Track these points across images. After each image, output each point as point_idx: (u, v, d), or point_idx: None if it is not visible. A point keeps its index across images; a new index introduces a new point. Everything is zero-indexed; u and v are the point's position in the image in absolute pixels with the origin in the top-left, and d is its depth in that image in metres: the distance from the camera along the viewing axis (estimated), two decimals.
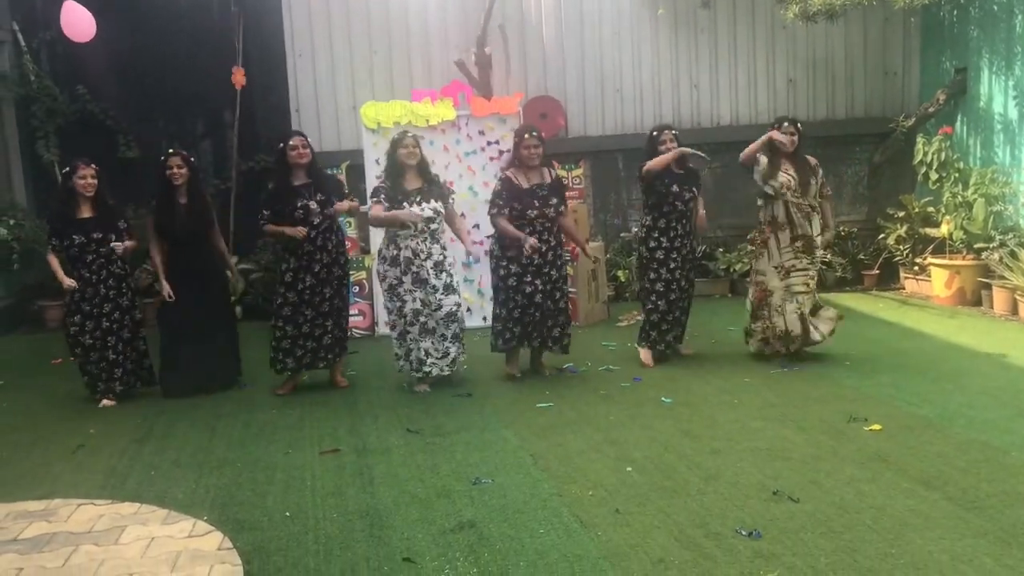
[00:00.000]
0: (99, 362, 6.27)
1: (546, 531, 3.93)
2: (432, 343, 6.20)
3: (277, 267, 6.33)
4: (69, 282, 6.11)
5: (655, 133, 6.75)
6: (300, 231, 6.09)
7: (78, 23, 7.19)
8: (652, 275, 6.62)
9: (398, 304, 6.18)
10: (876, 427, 5.11)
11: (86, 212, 6.22)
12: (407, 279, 6.12)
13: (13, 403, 6.56)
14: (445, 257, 6.22)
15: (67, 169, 6.31)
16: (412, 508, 4.25)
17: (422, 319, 6.15)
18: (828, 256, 7.49)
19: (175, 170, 6.28)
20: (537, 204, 6.25)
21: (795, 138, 6.53)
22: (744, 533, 3.80)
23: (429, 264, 6.12)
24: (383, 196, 6.17)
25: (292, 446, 5.28)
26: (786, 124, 6.59)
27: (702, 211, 6.77)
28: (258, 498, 4.48)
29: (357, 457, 5.04)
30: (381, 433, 5.47)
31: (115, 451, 5.33)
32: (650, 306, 6.67)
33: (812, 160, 6.74)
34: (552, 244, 6.35)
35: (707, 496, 4.23)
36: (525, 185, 6.30)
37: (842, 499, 4.12)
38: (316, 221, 6.19)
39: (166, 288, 6.30)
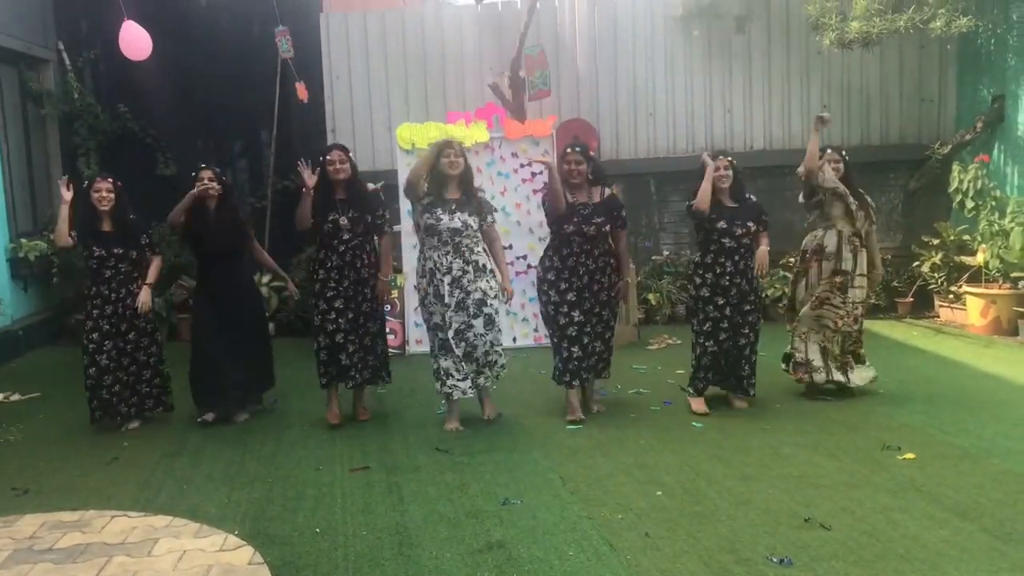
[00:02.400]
0: (113, 385, 6.08)
1: (575, 554, 3.92)
2: (452, 362, 5.88)
3: (311, 284, 6.20)
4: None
5: (708, 160, 6.17)
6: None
7: (135, 41, 7.38)
8: (700, 315, 6.15)
9: (426, 317, 5.97)
10: (910, 456, 5.05)
11: (106, 226, 6.13)
12: (431, 291, 5.86)
13: (50, 415, 6.66)
14: (465, 273, 5.80)
15: (86, 184, 6.26)
16: (441, 527, 4.26)
17: (440, 336, 5.89)
18: (871, 298, 6.93)
19: (206, 182, 6.20)
20: (575, 220, 5.88)
21: (840, 166, 6.27)
22: (775, 560, 3.76)
23: (447, 280, 5.79)
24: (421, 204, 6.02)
25: (322, 463, 5.31)
26: (830, 152, 6.33)
27: (764, 247, 6.06)
28: (289, 514, 4.51)
29: (387, 475, 5.05)
30: (411, 452, 5.48)
31: (148, 464, 5.39)
32: (698, 349, 6.18)
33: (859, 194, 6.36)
34: (590, 267, 5.95)
35: (738, 522, 4.20)
36: (569, 199, 5.96)
37: (875, 528, 4.07)
38: (346, 237, 6.01)
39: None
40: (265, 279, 9.55)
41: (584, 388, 6.20)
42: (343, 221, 6.01)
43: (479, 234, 5.92)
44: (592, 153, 6.13)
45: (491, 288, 5.88)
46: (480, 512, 4.43)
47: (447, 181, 5.84)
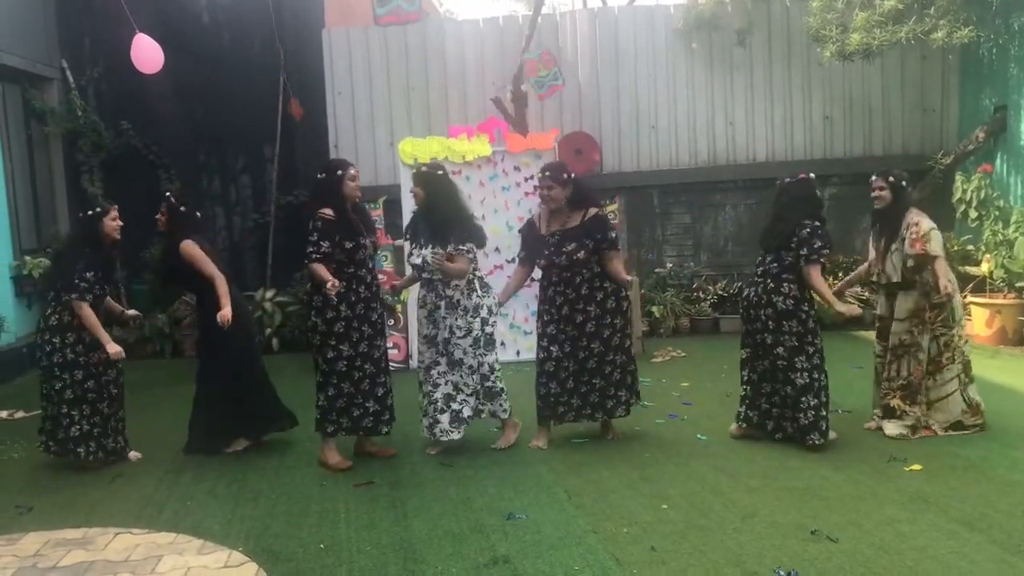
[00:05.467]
0: (92, 416, 5.61)
1: (581, 568, 3.90)
2: (427, 399, 5.62)
3: (317, 314, 5.39)
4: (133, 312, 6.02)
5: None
6: (334, 287, 5.16)
7: (148, 54, 7.42)
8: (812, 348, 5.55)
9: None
10: (916, 467, 5.02)
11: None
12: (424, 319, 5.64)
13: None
14: (441, 307, 5.51)
15: (97, 210, 5.75)
16: (445, 542, 4.24)
17: (420, 371, 5.68)
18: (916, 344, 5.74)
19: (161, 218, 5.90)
20: (545, 253, 5.59)
21: (884, 193, 5.70)
22: (782, 573, 3.74)
23: (423, 313, 5.62)
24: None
25: (326, 478, 5.29)
26: (875, 178, 5.77)
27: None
28: (293, 529, 4.49)
29: (391, 490, 5.03)
30: (415, 466, 5.46)
31: (151, 481, 5.38)
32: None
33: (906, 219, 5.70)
34: (570, 297, 5.58)
35: (744, 535, 4.18)
36: (543, 230, 5.69)
37: (882, 540, 4.05)
38: (371, 265, 5.55)
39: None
40: (268, 294, 9.57)
41: (605, 424, 5.90)
42: (368, 246, 5.49)
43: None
44: (567, 175, 5.62)
45: (449, 318, 5.53)
46: (485, 527, 4.41)
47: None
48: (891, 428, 5.66)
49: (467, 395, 5.63)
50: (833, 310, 5.49)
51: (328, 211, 5.32)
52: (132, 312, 6.24)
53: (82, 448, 5.59)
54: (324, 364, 5.39)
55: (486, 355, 5.60)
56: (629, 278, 5.71)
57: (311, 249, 5.26)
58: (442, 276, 5.49)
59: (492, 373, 5.63)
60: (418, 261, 5.54)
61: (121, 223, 5.79)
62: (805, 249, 5.37)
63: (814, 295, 5.50)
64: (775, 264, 5.52)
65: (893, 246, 5.67)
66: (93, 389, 5.57)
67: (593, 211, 5.64)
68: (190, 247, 5.67)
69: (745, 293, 5.72)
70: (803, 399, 5.44)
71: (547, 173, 5.63)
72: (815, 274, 5.39)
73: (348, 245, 5.33)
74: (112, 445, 5.71)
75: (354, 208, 5.49)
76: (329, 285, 5.14)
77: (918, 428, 5.63)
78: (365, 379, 5.44)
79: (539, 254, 5.67)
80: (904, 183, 5.73)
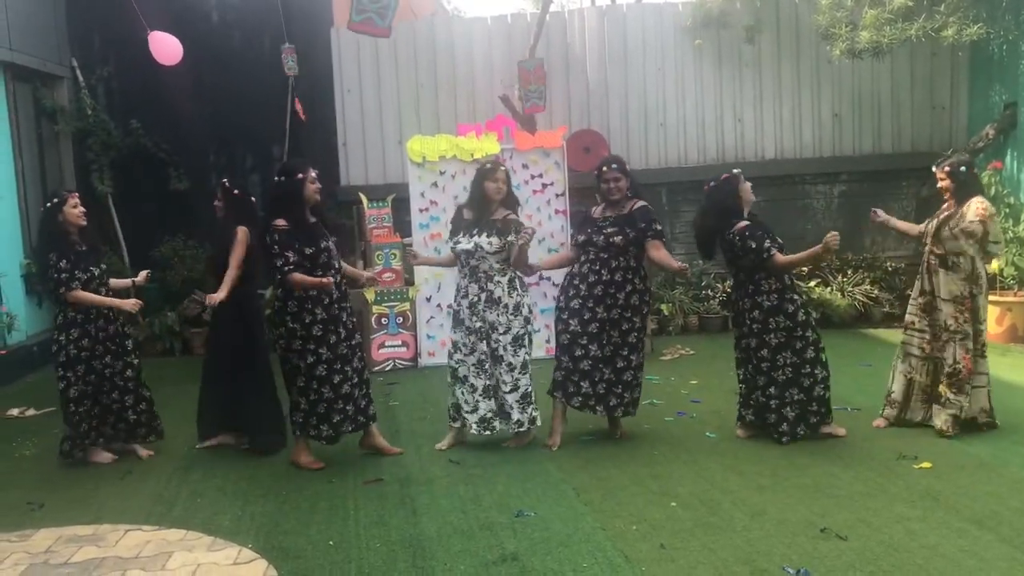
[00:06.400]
0: (92, 409, 5.60)
1: (589, 565, 3.90)
2: (462, 393, 5.68)
3: (283, 319, 5.30)
4: (133, 303, 5.62)
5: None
6: (328, 281, 5.17)
7: (166, 47, 7.55)
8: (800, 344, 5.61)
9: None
10: (926, 465, 5.01)
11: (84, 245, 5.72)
12: (464, 316, 5.67)
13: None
14: (481, 300, 5.57)
15: (55, 200, 5.61)
16: (455, 539, 4.25)
17: (453, 363, 5.72)
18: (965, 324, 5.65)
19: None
20: (589, 231, 5.71)
21: (946, 183, 5.71)
22: (791, 571, 3.74)
23: (465, 304, 5.64)
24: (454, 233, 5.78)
25: (335, 475, 5.30)
26: (935, 168, 5.81)
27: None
28: (302, 526, 4.51)
29: (400, 487, 5.05)
30: (424, 464, 5.47)
31: (162, 478, 5.40)
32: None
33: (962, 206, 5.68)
34: (604, 278, 5.61)
35: (753, 532, 4.17)
36: (596, 215, 5.81)
37: (891, 538, 4.04)
38: (337, 266, 5.42)
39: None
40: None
41: (612, 421, 5.90)
42: (333, 248, 5.41)
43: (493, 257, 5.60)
44: (628, 167, 5.85)
45: (494, 308, 5.59)
46: (493, 524, 4.41)
47: (491, 205, 5.71)
48: (939, 421, 5.62)
49: (506, 392, 5.63)
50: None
51: (281, 221, 5.22)
52: (142, 274, 6.16)
53: (81, 442, 5.63)
54: (304, 369, 5.29)
55: (521, 354, 5.64)
56: (682, 266, 5.59)
57: (280, 263, 5.17)
58: (511, 262, 5.59)
59: (525, 374, 5.66)
60: (470, 246, 5.56)
61: (83, 208, 5.67)
62: (755, 249, 5.43)
63: (796, 287, 5.61)
64: (741, 272, 5.63)
65: (952, 223, 5.63)
66: (94, 383, 5.58)
67: (641, 203, 5.76)
68: (243, 233, 5.74)
69: (733, 298, 5.81)
70: (786, 394, 5.51)
71: (614, 165, 5.74)
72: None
73: (308, 251, 5.24)
74: (111, 433, 5.72)
75: (313, 210, 5.40)
76: (325, 280, 5.15)
77: (959, 418, 5.57)
78: (345, 382, 5.37)
79: (582, 231, 5.79)
80: (963, 167, 5.76)
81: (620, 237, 5.60)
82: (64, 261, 5.47)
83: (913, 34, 8.46)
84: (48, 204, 5.64)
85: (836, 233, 5.31)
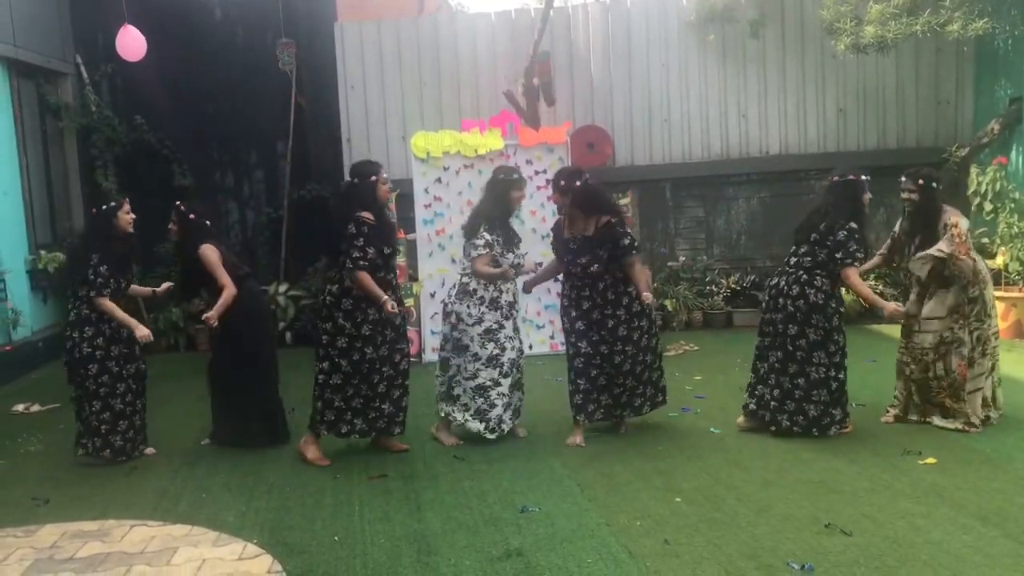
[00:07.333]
0: (102, 412, 5.60)
1: (594, 561, 3.90)
2: (519, 396, 5.87)
3: (333, 315, 5.31)
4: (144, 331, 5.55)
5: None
6: (392, 309, 5.21)
7: (131, 43, 7.53)
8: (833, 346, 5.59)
9: (494, 351, 5.62)
10: (931, 461, 5.01)
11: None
12: (508, 324, 5.67)
13: (69, 426, 6.63)
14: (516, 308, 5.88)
15: (112, 204, 5.75)
16: (459, 535, 4.25)
17: (516, 371, 5.76)
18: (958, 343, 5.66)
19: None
20: (566, 258, 5.66)
21: (914, 196, 5.65)
22: (796, 566, 3.74)
23: (516, 308, 5.83)
24: (494, 243, 5.63)
25: (340, 471, 5.31)
26: (904, 179, 5.70)
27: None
28: (307, 522, 4.51)
29: (404, 483, 5.05)
30: (428, 460, 5.48)
31: (167, 473, 5.41)
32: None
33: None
34: (597, 302, 5.56)
35: (758, 528, 4.17)
36: (566, 233, 5.71)
37: (896, 533, 4.04)
38: (397, 273, 5.59)
39: None
40: (282, 288, 9.61)
41: (618, 424, 5.91)
42: (398, 250, 5.49)
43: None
44: (565, 182, 5.66)
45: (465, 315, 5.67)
46: (498, 520, 4.42)
47: (511, 216, 5.89)
48: (940, 420, 5.66)
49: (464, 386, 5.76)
50: (882, 312, 5.49)
51: (369, 215, 5.25)
52: (164, 286, 6.19)
53: (88, 442, 5.62)
54: (348, 366, 5.31)
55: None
56: (650, 298, 5.60)
57: (357, 255, 5.15)
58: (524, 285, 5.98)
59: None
60: (521, 261, 5.75)
61: (134, 216, 5.79)
62: (840, 252, 5.36)
63: (844, 294, 5.49)
64: (808, 258, 5.51)
65: (926, 247, 5.58)
66: (107, 384, 5.57)
67: (605, 219, 5.57)
68: (207, 252, 5.69)
69: (774, 281, 5.68)
70: (814, 392, 5.46)
71: (561, 182, 5.69)
72: (853, 276, 5.40)
73: (386, 251, 5.31)
74: (120, 443, 5.64)
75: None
76: (389, 307, 5.18)
77: (968, 424, 5.55)
78: (383, 381, 5.42)
79: (561, 257, 5.75)
80: (935, 183, 5.68)
81: (596, 266, 5.53)
82: (105, 266, 5.52)
83: (918, 29, 8.44)
84: (104, 207, 5.72)
85: (903, 311, 5.46)
